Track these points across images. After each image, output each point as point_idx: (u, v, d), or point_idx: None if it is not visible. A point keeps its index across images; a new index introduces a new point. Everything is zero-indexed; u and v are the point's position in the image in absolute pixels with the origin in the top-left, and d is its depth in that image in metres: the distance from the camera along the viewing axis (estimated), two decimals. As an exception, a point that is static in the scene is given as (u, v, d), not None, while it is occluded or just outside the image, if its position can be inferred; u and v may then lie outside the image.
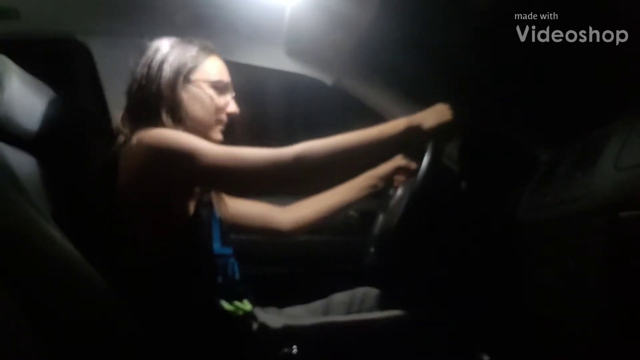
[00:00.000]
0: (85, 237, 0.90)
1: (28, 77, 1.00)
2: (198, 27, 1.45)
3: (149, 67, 1.01)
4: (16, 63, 0.97)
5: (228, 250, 1.04)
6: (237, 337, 0.97)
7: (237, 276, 1.05)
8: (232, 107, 1.08)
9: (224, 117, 1.07)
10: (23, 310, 0.69)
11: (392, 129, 0.95)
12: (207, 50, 1.07)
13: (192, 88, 1.03)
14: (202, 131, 1.02)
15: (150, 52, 1.04)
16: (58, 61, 1.46)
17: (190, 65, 1.03)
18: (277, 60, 1.57)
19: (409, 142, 0.98)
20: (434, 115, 0.97)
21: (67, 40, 1.43)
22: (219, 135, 1.06)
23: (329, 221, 1.31)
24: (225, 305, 0.98)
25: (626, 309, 0.89)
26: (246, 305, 1.04)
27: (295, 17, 1.36)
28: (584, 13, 1.12)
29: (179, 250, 0.94)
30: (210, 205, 1.05)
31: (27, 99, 0.97)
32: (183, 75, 1.02)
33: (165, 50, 1.03)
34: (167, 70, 1.00)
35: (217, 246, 1.01)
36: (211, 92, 1.04)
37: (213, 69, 1.06)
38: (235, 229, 1.22)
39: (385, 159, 1.25)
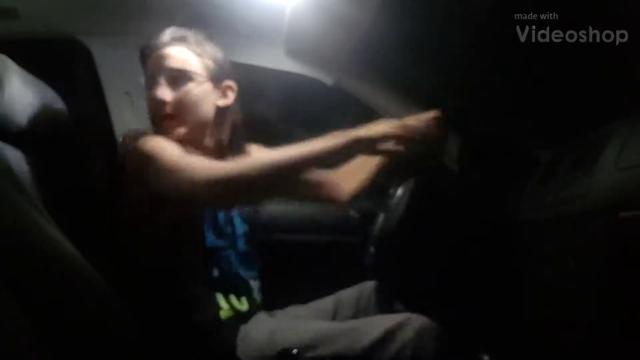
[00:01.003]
0: (85, 237, 0.90)
1: (28, 77, 0.99)
2: (198, 27, 1.46)
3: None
4: (16, 63, 0.97)
5: (222, 242, 1.03)
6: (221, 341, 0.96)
7: (238, 269, 1.04)
8: (157, 94, 0.97)
9: (154, 109, 0.99)
10: (23, 310, 0.69)
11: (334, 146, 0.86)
12: (148, 49, 1.02)
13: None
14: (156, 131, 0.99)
15: None
16: (58, 61, 1.46)
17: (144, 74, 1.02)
18: (277, 60, 1.57)
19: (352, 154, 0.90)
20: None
21: (67, 39, 1.43)
22: (164, 134, 0.97)
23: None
24: (221, 301, 0.98)
25: (626, 309, 0.89)
26: (243, 305, 1.03)
27: (295, 17, 1.36)
28: (584, 13, 1.12)
29: (171, 246, 0.94)
30: None
31: (27, 99, 0.96)
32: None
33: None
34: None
35: (211, 239, 1.00)
36: (153, 85, 0.99)
37: (147, 67, 1.02)
38: (290, 195, 1.22)
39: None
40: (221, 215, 1.03)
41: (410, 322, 0.94)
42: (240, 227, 1.08)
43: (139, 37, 1.46)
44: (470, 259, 1.39)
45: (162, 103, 0.96)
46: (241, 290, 1.05)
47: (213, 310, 0.97)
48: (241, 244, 1.07)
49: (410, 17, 1.29)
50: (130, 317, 0.88)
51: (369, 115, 1.61)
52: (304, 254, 1.58)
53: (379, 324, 0.95)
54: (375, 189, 1.32)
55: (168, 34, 1.01)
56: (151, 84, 0.99)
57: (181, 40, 1.00)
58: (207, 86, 1.01)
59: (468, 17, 1.25)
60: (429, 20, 1.29)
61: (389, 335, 0.91)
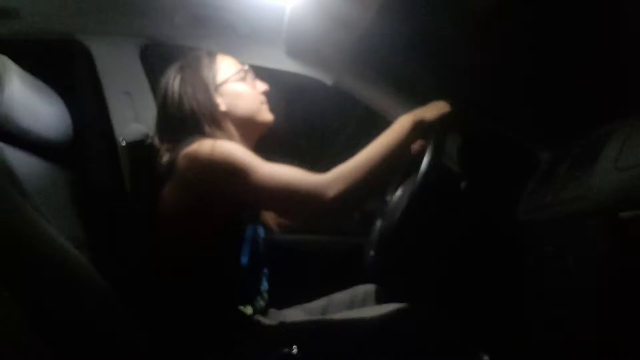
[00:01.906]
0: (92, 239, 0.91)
1: (28, 77, 1.00)
2: (198, 28, 1.46)
3: (174, 90, 1.07)
4: (16, 63, 0.97)
5: (258, 262, 1.07)
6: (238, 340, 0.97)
7: (263, 285, 1.09)
8: (262, 86, 1.17)
9: (262, 97, 1.15)
10: (23, 311, 0.69)
11: (402, 131, 0.98)
12: (212, 54, 1.13)
13: (225, 90, 1.09)
14: (252, 120, 1.12)
15: (170, 78, 1.09)
16: (58, 61, 1.46)
17: (210, 74, 1.09)
18: (276, 60, 1.57)
19: (416, 138, 1.01)
20: (434, 108, 1.03)
21: (67, 40, 1.43)
22: (268, 115, 1.15)
23: None
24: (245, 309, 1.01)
25: (626, 308, 0.89)
26: (247, 310, 1.04)
27: (295, 17, 1.36)
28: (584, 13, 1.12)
29: (203, 261, 0.96)
30: (250, 220, 1.05)
31: (27, 99, 0.97)
32: (213, 86, 1.08)
33: (182, 74, 1.09)
34: (196, 91, 1.06)
35: (244, 260, 1.02)
36: (240, 83, 1.12)
37: (227, 65, 1.13)
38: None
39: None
40: (250, 233, 1.04)
41: (411, 313, 0.95)
42: (263, 244, 1.11)
43: (139, 37, 1.47)
44: (470, 259, 1.39)
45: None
46: (260, 297, 1.09)
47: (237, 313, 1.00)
48: (265, 261, 1.11)
49: (410, 17, 1.29)
50: (131, 317, 0.89)
51: (369, 115, 1.62)
52: (304, 253, 1.58)
53: (379, 316, 0.96)
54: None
55: None
56: (245, 78, 1.14)
57: None
58: None
59: (468, 17, 1.25)
60: (429, 20, 1.29)
61: (388, 328, 0.92)
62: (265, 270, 1.12)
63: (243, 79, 1.13)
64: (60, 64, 1.46)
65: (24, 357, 0.69)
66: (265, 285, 1.12)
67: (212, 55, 1.12)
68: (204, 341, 0.93)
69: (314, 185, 0.91)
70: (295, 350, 0.89)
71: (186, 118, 1.03)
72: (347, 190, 0.92)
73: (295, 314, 1.20)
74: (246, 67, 1.15)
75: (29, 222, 0.76)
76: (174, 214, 0.96)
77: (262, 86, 1.17)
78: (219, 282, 0.99)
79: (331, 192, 0.90)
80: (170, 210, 0.96)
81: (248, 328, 0.99)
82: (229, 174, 0.90)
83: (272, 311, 1.18)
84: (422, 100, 1.10)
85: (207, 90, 1.06)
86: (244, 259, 1.01)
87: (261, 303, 1.09)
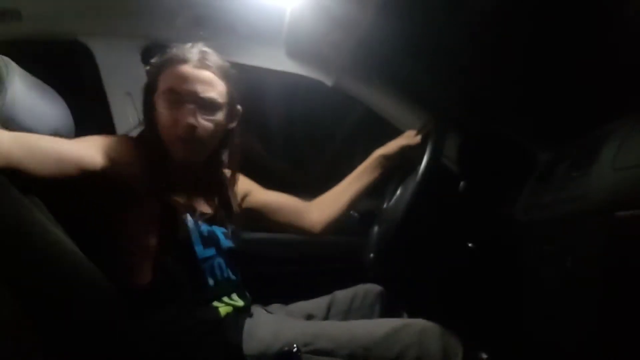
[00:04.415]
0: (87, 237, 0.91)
1: (30, 78, 1.00)
2: (198, 28, 1.46)
3: None
4: (18, 64, 0.97)
5: (211, 252, 1.03)
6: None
7: (226, 274, 1.05)
8: (188, 119, 0.98)
9: (179, 131, 0.99)
10: (25, 310, 0.70)
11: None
12: (170, 61, 1.02)
13: (156, 102, 1.03)
14: (169, 148, 1.02)
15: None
16: (60, 62, 1.47)
17: (151, 78, 1.05)
18: (277, 61, 1.57)
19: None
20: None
21: (69, 41, 1.44)
22: (178, 154, 1.01)
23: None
24: (219, 306, 0.99)
25: (624, 307, 0.90)
26: (237, 301, 1.04)
27: (295, 18, 1.36)
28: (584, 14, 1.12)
29: (164, 264, 0.95)
30: (175, 209, 1.01)
31: (30, 100, 0.97)
32: (149, 91, 1.05)
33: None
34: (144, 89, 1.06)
35: (199, 250, 1.00)
36: (164, 104, 1.00)
37: (168, 78, 1.01)
38: (264, 224, 1.27)
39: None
40: (204, 227, 1.03)
41: (414, 324, 0.94)
42: (222, 236, 1.08)
43: (140, 38, 1.48)
44: (469, 259, 1.39)
45: (192, 128, 0.99)
46: (232, 289, 1.06)
47: (213, 312, 0.98)
48: (226, 250, 1.07)
49: (409, 18, 1.29)
50: (133, 317, 0.89)
51: (369, 116, 1.62)
52: (302, 254, 1.59)
53: (383, 324, 0.95)
54: (375, 190, 1.33)
55: (196, 53, 1.02)
56: (176, 103, 1.00)
57: (209, 64, 1.02)
58: (226, 112, 1.06)
59: (467, 17, 1.25)
60: (429, 21, 1.29)
61: (392, 335, 0.92)
62: (219, 261, 1.05)
63: (170, 101, 1.00)
64: (62, 65, 1.47)
65: (24, 357, 0.69)
66: (236, 276, 1.08)
67: (170, 62, 1.02)
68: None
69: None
70: (295, 346, 0.90)
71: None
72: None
73: (299, 308, 1.19)
74: (183, 89, 0.99)
75: (32, 221, 0.77)
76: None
77: (188, 119, 0.98)
78: (185, 281, 0.97)
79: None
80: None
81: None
82: None
83: (278, 306, 1.18)
84: (421, 100, 1.11)
85: (144, 96, 1.06)
86: (198, 249, 1.00)
87: (244, 293, 1.08)
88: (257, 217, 1.25)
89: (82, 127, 1.12)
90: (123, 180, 0.96)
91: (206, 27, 1.46)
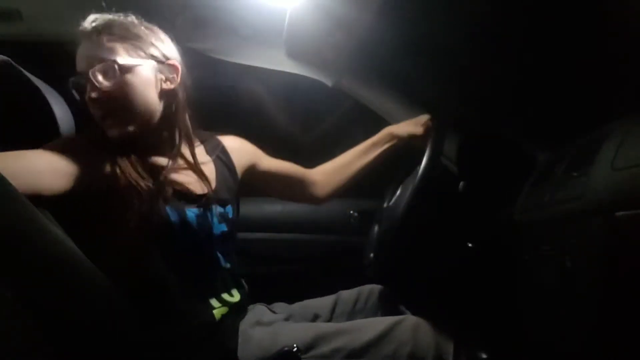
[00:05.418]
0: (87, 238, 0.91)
1: (30, 79, 1.00)
2: (199, 29, 1.46)
3: None
4: (18, 64, 0.97)
5: (199, 241, 1.00)
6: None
7: (223, 263, 1.04)
8: (90, 95, 0.93)
9: (92, 111, 0.95)
10: (26, 311, 0.70)
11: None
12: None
13: None
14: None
15: None
16: (60, 62, 1.47)
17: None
18: (277, 61, 1.58)
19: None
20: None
21: (69, 41, 1.44)
22: (112, 134, 0.95)
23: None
24: (215, 306, 0.98)
25: (624, 308, 0.90)
26: (234, 297, 1.04)
27: (295, 19, 1.37)
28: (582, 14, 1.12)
29: (149, 261, 0.93)
30: (154, 198, 0.93)
31: (30, 101, 0.97)
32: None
33: None
34: None
35: (183, 241, 0.97)
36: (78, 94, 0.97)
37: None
38: (267, 191, 1.28)
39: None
40: (190, 213, 0.97)
41: (406, 322, 0.95)
42: (215, 219, 1.03)
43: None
44: (469, 260, 1.40)
45: (95, 102, 0.93)
46: (230, 283, 1.05)
47: (208, 314, 0.97)
48: (218, 235, 1.04)
49: (409, 19, 1.29)
50: (135, 317, 0.89)
51: (369, 116, 1.62)
52: (304, 253, 1.59)
53: (377, 323, 0.96)
54: (375, 190, 1.33)
55: (90, 21, 0.97)
56: (81, 86, 0.94)
57: (105, 28, 0.95)
58: (146, 71, 0.96)
59: (467, 17, 1.25)
60: (428, 22, 1.29)
61: (385, 334, 0.92)
62: (211, 250, 1.02)
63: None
64: (62, 65, 1.47)
65: (24, 357, 0.69)
66: (232, 267, 1.06)
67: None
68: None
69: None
70: (295, 348, 0.90)
71: None
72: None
73: (304, 307, 1.19)
74: (80, 69, 0.95)
75: (31, 221, 0.76)
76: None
77: (90, 92, 0.93)
78: (188, 275, 0.96)
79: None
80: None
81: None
82: None
83: (282, 305, 1.18)
84: (421, 101, 1.11)
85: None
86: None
87: (243, 285, 1.08)
88: (261, 186, 1.26)
89: (82, 127, 1.12)
90: (90, 183, 0.91)
91: (207, 28, 1.46)
